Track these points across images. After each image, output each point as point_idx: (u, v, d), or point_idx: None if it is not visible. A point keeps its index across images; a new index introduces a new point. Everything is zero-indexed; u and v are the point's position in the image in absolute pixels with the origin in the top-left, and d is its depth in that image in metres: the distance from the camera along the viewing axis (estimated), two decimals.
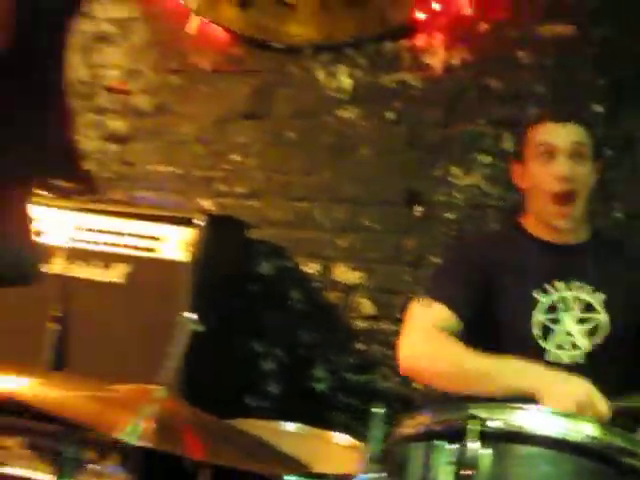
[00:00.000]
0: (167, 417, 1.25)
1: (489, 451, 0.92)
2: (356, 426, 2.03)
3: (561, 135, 1.69)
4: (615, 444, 0.93)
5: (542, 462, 0.94)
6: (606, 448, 0.92)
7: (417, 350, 1.57)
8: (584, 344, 1.59)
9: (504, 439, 0.95)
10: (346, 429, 1.86)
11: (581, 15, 2.32)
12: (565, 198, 1.65)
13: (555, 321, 1.60)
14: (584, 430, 0.93)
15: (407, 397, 2.26)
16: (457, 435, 0.93)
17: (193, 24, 2.59)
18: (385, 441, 1.17)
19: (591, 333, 1.61)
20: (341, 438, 1.78)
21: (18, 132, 1.94)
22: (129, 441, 1.18)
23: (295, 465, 1.34)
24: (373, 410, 1.26)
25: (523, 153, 1.75)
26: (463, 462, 0.90)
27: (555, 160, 1.67)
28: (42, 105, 2.19)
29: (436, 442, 0.94)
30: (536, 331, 1.60)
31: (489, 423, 0.94)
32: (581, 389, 1.31)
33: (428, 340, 1.55)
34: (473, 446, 0.91)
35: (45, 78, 2.25)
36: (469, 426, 0.91)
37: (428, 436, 0.99)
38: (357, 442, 1.70)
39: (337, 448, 1.76)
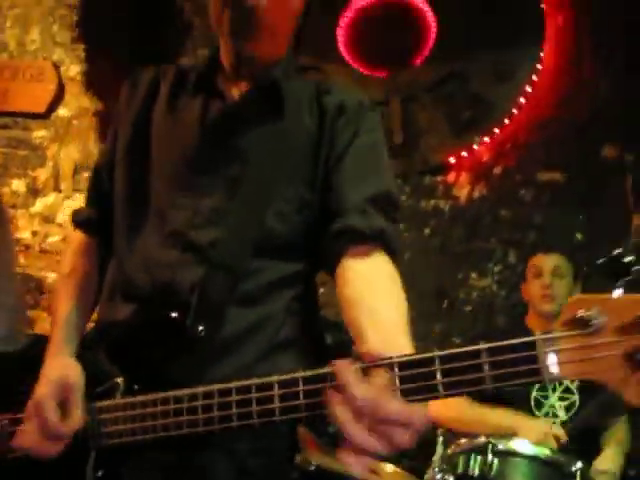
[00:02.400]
0: None
1: (496, 459, 1.78)
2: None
3: (546, 261, 2.57)
4: (560, 458, 1.79)
5: (523, 467, 1.80)
6: (555, 461, 1.78)
7: (441, 411, 2.36)
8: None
9: (505, 454, 1.81)
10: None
11: (569, 166, 3.21)
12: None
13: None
14: (544, 451, 1.80)
15: None
16: (481, 451, 1.80)
17: None
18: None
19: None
20: None
21: None
22: None
23: None
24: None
25: (525, 275, 2.63)
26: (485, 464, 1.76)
27: (541, 277, 2.54)
28: None
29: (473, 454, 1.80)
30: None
31: (498, 445, 1.80)
32: (544, 426, 2.13)
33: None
34: (489, 457, 1.77)
35: None
36: (488, 445, 1.77)
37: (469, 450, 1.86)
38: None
39: None
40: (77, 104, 3.39)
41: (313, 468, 2.34)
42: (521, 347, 0.86)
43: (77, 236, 1.49)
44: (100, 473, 1.23)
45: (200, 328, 1.21)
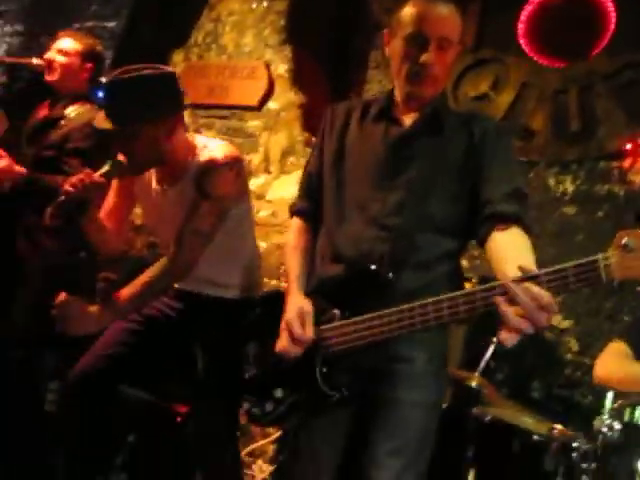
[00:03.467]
0: None
1: None
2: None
3: None
4: None
5: None
6: None
7: (608, 368, 2.61)
8: None
9: None
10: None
11: None
12: None
13: None
14: None
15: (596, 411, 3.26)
16: None
17: None
18: None
19: None
20: None
21: None
22: None
23: None
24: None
25: None
26: None
27: None
28: None
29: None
30: None
31: None
32: None
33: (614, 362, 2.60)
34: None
35: None
36: None
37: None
38: None
39: None
40: (285, 98, 3.91)
41: (488, 419, 2.68)
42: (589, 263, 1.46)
43: (295, 221, 2.10)
44: (324, 370, 1.81)
45: (390, 274, 1.67)
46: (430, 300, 1.61)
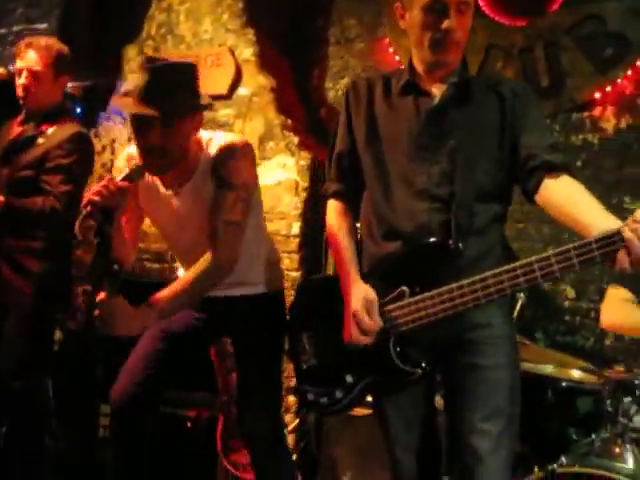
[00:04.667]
0: None
1: None
2: None
3: None
4: None
5: None
6: None
7: (614, 316, 2.74)
8: None
9: None
10: None
11: None
12: None
13: None
14: None
15: (599, 351, 3.42)
16: None
17: None
18: None
19: None
20: None
21: None
22: None
23: None
24: None
25: None
26: None
27: None
28: None
29: None
30: None
31: None
32: None
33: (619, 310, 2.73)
34: None
35: None
36: None
37: None
38: None
39: None
40: (254, 83, 3.86)
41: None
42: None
43: (333, 203, 2.09)
44: (398, 349, 1.84)
45: (460, 245, 1.70)
46: (505, 268, 1.67)
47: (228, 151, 2.30)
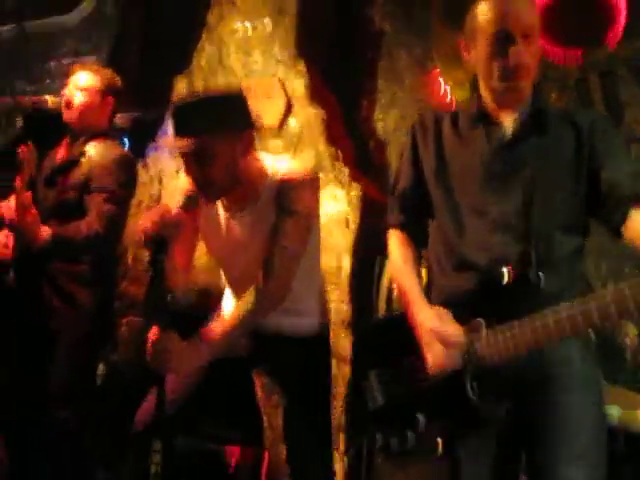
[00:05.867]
0: None
1: None
2: None
3: None
4: None
5: None
6: None
7: None
8: None
9: None
10: None
11: None
12: None
13: None
14: None
15: None
16: None
17: None
18: None
19: None
20: None
21: None
22: None
23: None
24: None
25: None
26: None
27: None
28: None
29: None
30: None
31: None
32: None
33: None
34: None
35: None
36: None
37: None
38: None
39: None
40: (303, 115, 3.84)
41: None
42: None
43: (396, 234, 2.05)
44: (475, 384, 1.74)
45: (541, 275, 1.62)
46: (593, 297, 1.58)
47: (294, 178, 2.28)
